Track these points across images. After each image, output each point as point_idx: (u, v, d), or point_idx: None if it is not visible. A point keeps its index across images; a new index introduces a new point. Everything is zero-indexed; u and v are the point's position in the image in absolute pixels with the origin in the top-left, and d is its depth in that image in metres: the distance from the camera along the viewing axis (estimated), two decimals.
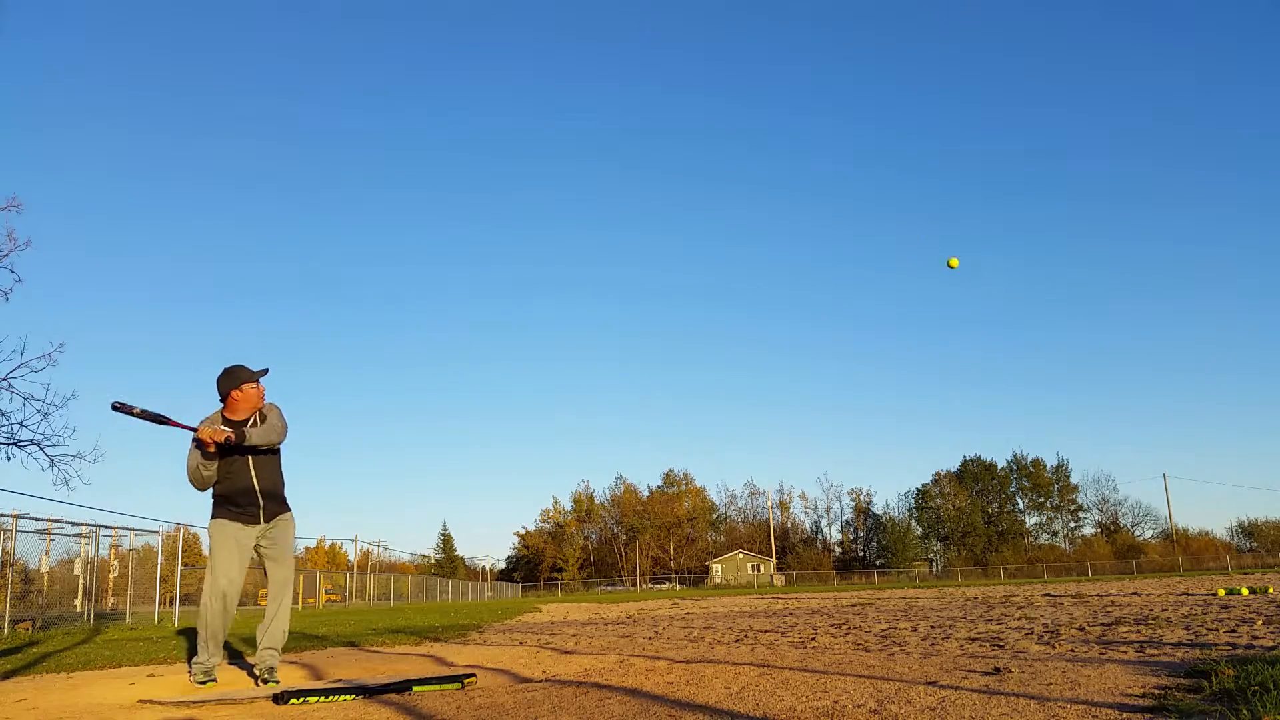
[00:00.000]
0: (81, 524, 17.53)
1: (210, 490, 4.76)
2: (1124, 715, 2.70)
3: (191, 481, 4.65)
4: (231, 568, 4.69)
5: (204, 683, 4.59)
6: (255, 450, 4.74)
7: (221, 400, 4.74)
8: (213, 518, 4.77)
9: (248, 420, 4.76)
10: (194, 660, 4.75)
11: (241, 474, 4.73)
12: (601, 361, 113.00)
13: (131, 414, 4.42)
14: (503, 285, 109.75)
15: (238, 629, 11.86)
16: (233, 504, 4.75)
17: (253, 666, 4.92)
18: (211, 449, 4.52)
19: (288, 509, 5.01)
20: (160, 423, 4.51)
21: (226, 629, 4.73)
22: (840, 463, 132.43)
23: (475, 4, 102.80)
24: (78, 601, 17.31)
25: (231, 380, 4.69)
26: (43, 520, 16.77)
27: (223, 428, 4.61)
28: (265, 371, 4.80)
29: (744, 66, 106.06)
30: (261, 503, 4.80)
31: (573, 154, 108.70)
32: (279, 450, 4.95)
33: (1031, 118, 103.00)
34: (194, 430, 4.53)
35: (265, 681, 4.62)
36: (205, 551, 5.06)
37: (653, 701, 3.42)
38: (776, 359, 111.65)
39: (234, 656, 6.09)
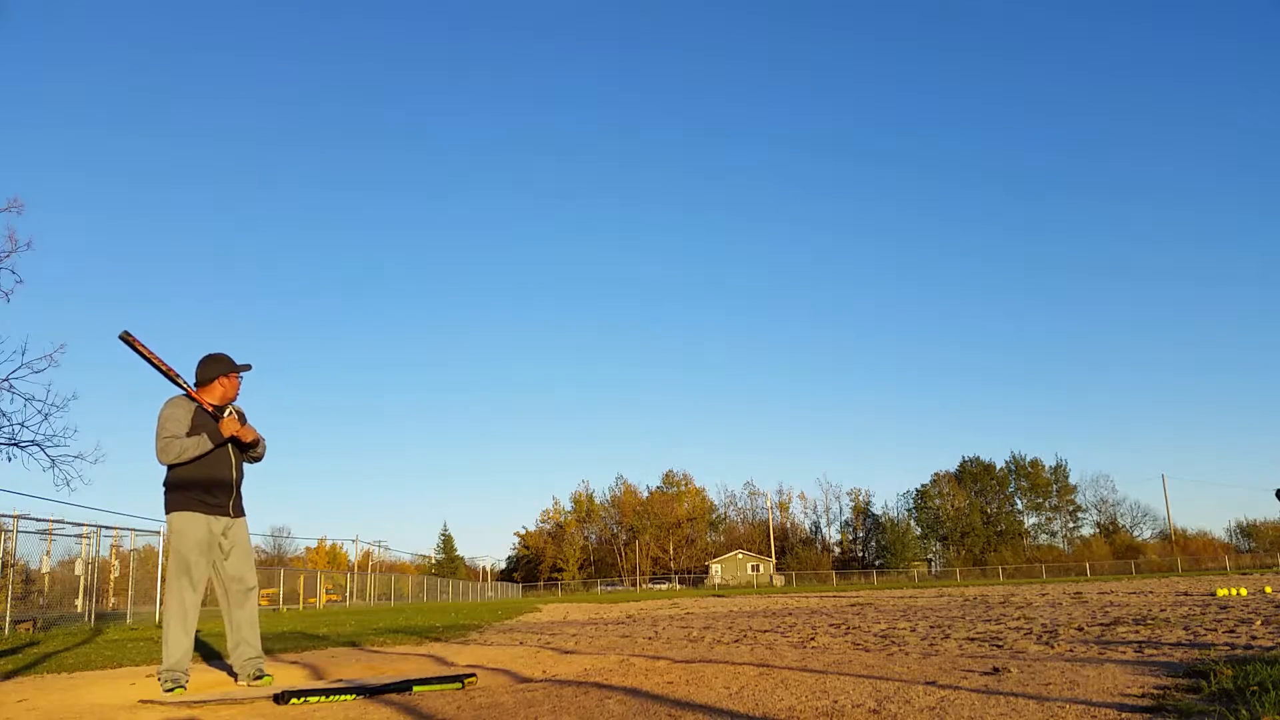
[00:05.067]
0: (82, 524, 17.57)
1: (172, 475, 4.55)
2: (1123, 715, 2.71)
3: (174, 454, 4.43)
4: (202, 564, 4.53)
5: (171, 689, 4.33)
6: (241, 445, 4.71)
7: (200, 383, 4.63)
8: (178, 509, 4.50)
9: (224, 409, 4.67)
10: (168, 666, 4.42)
11: (220, 463, 4.60)
12: (602, 361, 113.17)
13: (138, 351, 4.40)
14: (503, 285, 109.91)
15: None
16: (203, 493, 4.53)
17: (229, 667, 4.85)
18: (225, 436, 4.52)
19: (245, 510, 4.86)
20: (167, 376, 4.49)
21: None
22: (839, 463, 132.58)
23: (462, 4, 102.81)
24: (78, 602, 17.32)
25: (221, 367, 4.65)
26: (44, 521, 16.82)
27: (251, 426, 4.69)
28: (248, 367, 4.75)
29: (744, 66, 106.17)
30: (233, 495, 4.69)
31: (572, 153, 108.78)
32: None
33: (1031, 116, 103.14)
34: (212, 410, 4.55)
35: (259, 679, 4.59)
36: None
37: (653, 701, 3.42)
38: (776, 359, 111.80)
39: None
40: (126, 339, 4.38)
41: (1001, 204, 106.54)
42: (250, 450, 4.76)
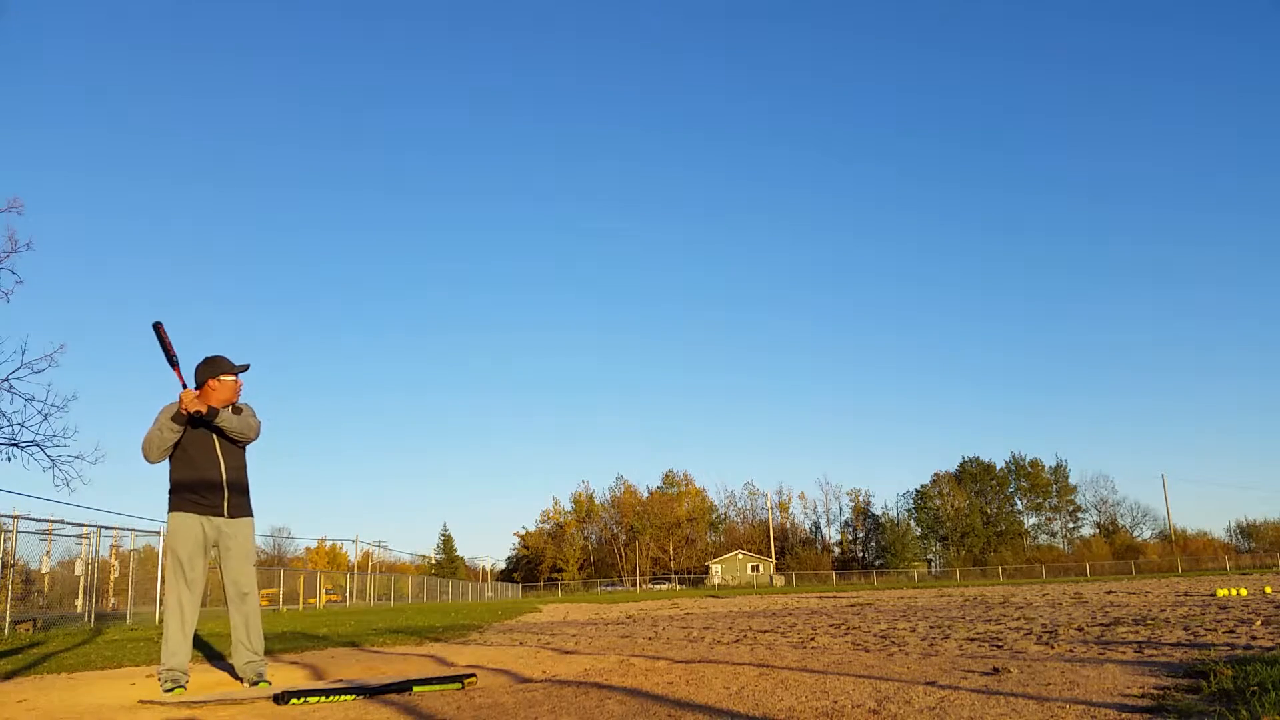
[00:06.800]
0: (82, 525, 17.59)
1: (170, 479, 4.59)
2: (1123, 715, 2.71)
3: (148, 445, 4.46)
4: (196, 564, 4.50)
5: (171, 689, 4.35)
6: (224, 435, 4.63)
7: (197, 386, 4.61)
8: (172, 509, 4.54)
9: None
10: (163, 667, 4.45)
11: (207, 462, 4.59)
12: (601, 361, 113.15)
13: (161, 341, 4.56)
14: (503, 285, 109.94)
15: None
16: (193, 494, 4.54)
17: (232, 668, 4.80)
18: (184, 413, 4.43)
19: (251, 512, 4.80)
20: (170, 363, 4.58)
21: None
22: (839, 463, 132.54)
23: (458, 4, 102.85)
24: (78, 602, 17.34)
25: (213, 369, 4.61)
26: (43, 521, 16.83)
27: (226, 407, 4.66)
28: (246, 367, 4.69)
29: (743, 65, 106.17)
30: (226, 495, 4.62)
31: (572, 152, 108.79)
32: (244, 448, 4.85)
33: (1030, 115, 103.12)
34: (181, 386, 4.53)
35: (257, 684, 4.53)
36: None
37: (652, 701, 3.42)
38: (776, 359, 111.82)
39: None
40: (157, 329, 4.55)
41: (1002, 203, 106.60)
42: (215, 419, 4.55)
